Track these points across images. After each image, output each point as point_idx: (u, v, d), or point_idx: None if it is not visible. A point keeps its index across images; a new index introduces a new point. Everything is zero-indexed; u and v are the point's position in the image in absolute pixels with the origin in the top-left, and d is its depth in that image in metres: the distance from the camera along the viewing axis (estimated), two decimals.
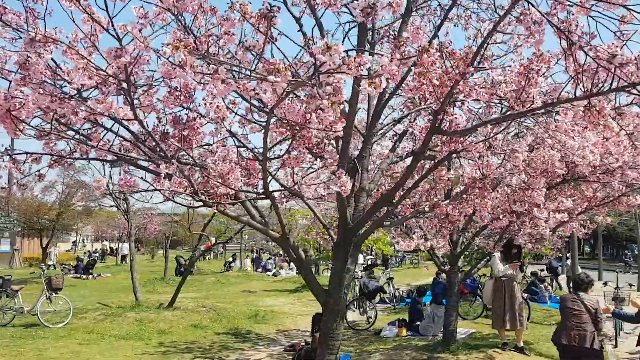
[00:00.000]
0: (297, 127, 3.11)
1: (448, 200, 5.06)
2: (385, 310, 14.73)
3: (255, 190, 4.06)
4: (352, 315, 12.20)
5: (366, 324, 11.85)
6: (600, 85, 3.18)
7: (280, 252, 31.83)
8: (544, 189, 5.84)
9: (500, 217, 6.57)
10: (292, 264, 27.70)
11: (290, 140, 3.46)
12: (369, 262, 26.37)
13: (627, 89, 3.04)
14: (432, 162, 4.53)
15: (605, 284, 11.59)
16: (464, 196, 5.11)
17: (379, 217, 4.80)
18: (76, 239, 51.14)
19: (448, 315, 8.37)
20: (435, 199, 4.83)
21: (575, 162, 4.38)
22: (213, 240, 43.16)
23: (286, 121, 3.07)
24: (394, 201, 4.38)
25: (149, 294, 17.30)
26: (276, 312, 13.82)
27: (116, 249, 42.39)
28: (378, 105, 4.56)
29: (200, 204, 3.77)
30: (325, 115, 2.78)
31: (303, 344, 9.00)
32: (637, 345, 6.18)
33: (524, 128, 5.84)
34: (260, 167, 3.65)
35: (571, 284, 5.93)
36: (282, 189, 4.06)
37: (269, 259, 31.62)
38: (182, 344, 10.01)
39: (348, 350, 9.54)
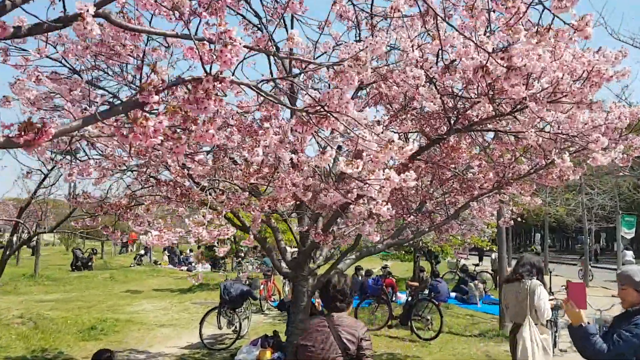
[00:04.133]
0: None
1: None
2: (278, 317, 11.82)
3: None
4: (211, 329, 9.20)
5: (232, 340, 8.97)
6: None
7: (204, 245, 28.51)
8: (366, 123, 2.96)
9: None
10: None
11: None
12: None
13: None
14: None
15: None
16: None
17: None
18: None
19: (291, 340, 5.49)
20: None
21: None
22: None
23: None
24: None
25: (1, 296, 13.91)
26: (132, 323, 10.69)
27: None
28: None
29: None
30: None
31: None
32: None
33: None
34: None
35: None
36: None
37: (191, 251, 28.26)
38: None
39: None
